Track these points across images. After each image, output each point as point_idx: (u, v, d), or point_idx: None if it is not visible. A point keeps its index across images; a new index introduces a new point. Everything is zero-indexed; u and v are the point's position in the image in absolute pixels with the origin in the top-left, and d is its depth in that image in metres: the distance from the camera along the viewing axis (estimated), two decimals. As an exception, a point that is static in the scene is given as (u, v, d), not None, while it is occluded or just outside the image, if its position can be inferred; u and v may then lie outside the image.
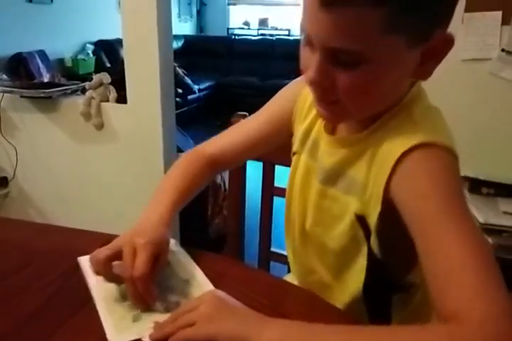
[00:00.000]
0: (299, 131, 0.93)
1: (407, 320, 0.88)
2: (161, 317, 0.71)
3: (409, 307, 0.88)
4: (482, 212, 1.56)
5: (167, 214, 0.85)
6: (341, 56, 0.65)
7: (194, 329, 0.63)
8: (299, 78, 0.94)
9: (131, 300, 0.74)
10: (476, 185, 1.72)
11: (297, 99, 0.94)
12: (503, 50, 1.67)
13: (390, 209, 0.71)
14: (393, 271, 0.83)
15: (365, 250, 0.81)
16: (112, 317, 0.72)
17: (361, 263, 0.82)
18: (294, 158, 0.96)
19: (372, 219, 0.76)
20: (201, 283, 0.80)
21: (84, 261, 0.83)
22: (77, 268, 0.85)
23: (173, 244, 0.89)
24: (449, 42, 0.68)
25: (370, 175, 0.75)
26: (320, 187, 0.87)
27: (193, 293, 0.78)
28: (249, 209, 1.33)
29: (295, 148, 0.95)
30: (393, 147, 0.70)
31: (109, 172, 2.46)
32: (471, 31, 1.67)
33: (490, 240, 1.47)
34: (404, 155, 0.67)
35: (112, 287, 0.78)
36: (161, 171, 2.31)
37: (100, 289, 0.78)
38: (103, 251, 0.76)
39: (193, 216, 2.26)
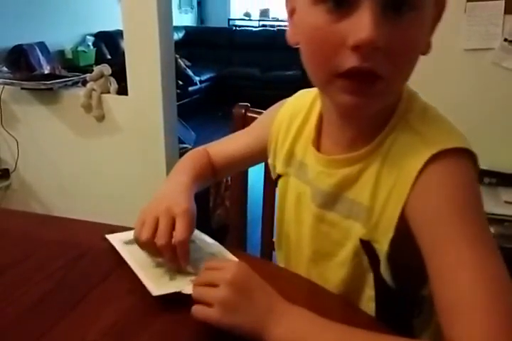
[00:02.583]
0: (280, 153, 0.90)
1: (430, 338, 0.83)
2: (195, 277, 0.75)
3: (432, 326, 0.82)
4: (484, 201, 1.56)
5: (191, 185, 0.88)
6: (390, 5, 0.58)
7: (213, 313, 0.63)
8: (282, 100, 0.94)
9: (168, 265, 0.78)
10: (479, 175, 1.72)
11: (274, 121, 0.92)
12: (505, 39, 1.66)
13: (403, 232, 0.67)
14: (405, 292, 0.77)
15: (370, 279, 0.76)
16: (151, 277, 0.77)
17: (368, 294, 0.78)
18: (280, 181, 0.92)
19: (381, 246, 0.71)
20: (226, 256, 0.85)
21: (112, 238, 0.90)
22: (79, 258, 0.86)
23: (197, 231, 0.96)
24: (443, 6, 0.67)
25: (376, 198, 0.70)
26: (317, 210, 0.81)
27: None
28: (252, 200, 1.33)
29: (279, 170, 0.90)
30: (404, 166, 0.66)
31: (110, 163, 2.46)
32: (473, 21, 1.66)
33: (492, 230, 1.47)
34: (420, 173, 0.64)
35: (144, 256, 0.82)
36: (162, 163, 2.31)
37: (135, 259, 0.83)
38: (144, 233, 0.76)
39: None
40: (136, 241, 0.79)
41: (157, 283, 0.75)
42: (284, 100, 0.95)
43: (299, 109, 0.88)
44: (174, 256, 0.76)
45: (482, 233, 0.61)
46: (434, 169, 0.64)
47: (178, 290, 0.72)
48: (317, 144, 0.82)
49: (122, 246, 0.88)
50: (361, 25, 0.57)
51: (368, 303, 0.78)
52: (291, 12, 0.70)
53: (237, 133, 1.06)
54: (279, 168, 0.91)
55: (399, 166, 0.67)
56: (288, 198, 0.90)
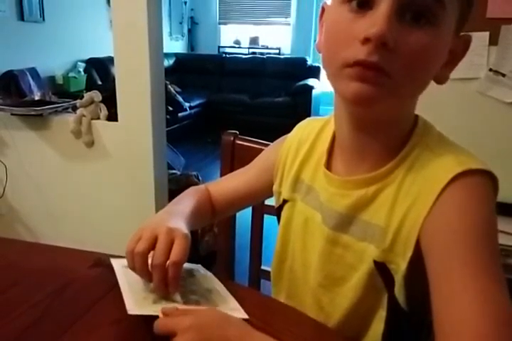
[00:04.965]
0: (286, 179, 0.91)
1: None
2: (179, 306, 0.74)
3: None
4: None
5: (189, 218, 0.85)
6: (409, 14, 0.62)
7: None
8: (284, 136, 0.96)
9: (155, 288, 0.74)
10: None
11: (279, 151, 0.93)
12: (490, 69, 1.70)
13: (419, 252, 0.67)
14: (415, 315, 0.76)
15: (384, 300, 0.76)
16: (134, 297, 0.75)
17: (380, 315, 0.77)
18: (286, 207, 0.91)
19: (398, 266, 0.71)
20: (222, 293, 0.83)
21: (115, 262, 0.88)
22: (65, 287, 0.85)
23: (200, 266, 0.94)
24: (467, 44, 0.70)
25: (392, 218, 0.71)
26: (330, 233, 0.80)
27: (214, 298, 0.80)
28: (240, 227, 1.32)
29: (286, 195, 0.90)
30: (427, 185, 0.67)
31: (100, 189, 2.45)
32: (458, 51, 1.70)
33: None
34: (443, 190, 0.65)
35: (137, 279, 0.78)
36: (151, 188, 2.30)
37: (127, 280, 0.80)
38: (141, 245, 0.73)
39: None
40: (129, 253, 0.74)
41: (138, 303, 0.73)
42: (285, 136, 0.96)
43: (307, 136, 0.89)
44: (164, 279, 0.72)
45: (492, 263, 0.61)
46: (458, 187, 0.65)
47: (155, 314, 0.70)
48: (328, 167, 0.82)
49: (121, 268, 0.85)
50: (374, 22, 0.61)
51: (377, 327, 0.77)
52: (323, 22, 0.74)
53: (237, 171, 1.06)
54: (285, 193, 0.91)
55: (420, 185, 0.68)
56: (294, 223, 0.89)
